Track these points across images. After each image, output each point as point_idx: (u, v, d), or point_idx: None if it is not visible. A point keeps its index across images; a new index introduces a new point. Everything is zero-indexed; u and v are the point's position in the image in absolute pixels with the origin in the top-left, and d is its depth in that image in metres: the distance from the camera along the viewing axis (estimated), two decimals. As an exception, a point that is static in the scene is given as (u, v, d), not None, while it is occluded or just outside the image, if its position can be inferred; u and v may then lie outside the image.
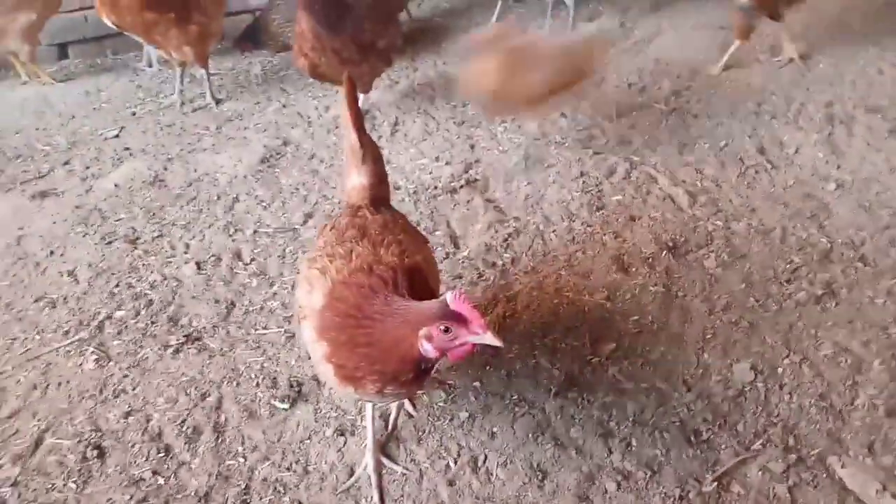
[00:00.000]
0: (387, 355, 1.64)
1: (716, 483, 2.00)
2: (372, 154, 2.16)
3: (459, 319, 1.58)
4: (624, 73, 4.61)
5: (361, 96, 4.16)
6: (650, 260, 2.86)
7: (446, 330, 1.58)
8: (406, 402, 2.27)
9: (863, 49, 4.65)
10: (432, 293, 1.86)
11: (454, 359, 1.67)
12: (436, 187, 3.46)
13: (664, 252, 2.89)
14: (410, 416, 2.24)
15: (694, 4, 5.74)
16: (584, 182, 3.41)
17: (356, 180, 2.13)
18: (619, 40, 5.12)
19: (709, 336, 2.49)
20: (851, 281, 2.68)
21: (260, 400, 2.34)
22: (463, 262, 2.94)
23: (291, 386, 2.38)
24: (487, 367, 2.41)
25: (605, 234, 3.04)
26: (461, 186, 3.46)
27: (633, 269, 2.82)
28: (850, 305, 2.57)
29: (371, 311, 1.67)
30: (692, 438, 2.13)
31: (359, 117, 2.15)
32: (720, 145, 3.66)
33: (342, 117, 2.17)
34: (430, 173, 3.60)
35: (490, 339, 1.60)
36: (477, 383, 2.35)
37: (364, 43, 3.85)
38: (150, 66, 5.19)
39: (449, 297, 1.60)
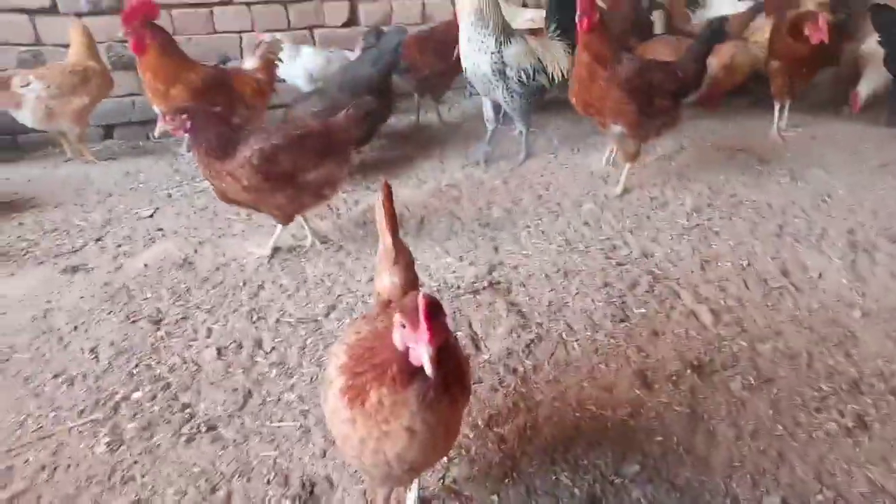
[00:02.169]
0: (385, 347, 1.55)
1: None
2: (404, 257, 2.21)
3: (412, 319, 1.39)
4: (647, 186, 4.75)
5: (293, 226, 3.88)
6: (674, 378, 2.82)
7: (403, 325, 1.45)
8: (422, 513, 2.19)
9: (880, 178, 4.78)
10: (463, 374, 1.78)
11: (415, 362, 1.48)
12: (459, 287, 3.49)
13: (689, 370, 2.85)
14: (425, 528, 2.15)
15: (713, 124, 6.00)
16: (607, 292, 3.43)
17: (388, 280, 2.17)
18: (643, 156, 5.29)
19: (736, 463, 2.41)
20: (883, 415, 2.61)
21: (270, 499, 2.25)
22: (483, 365, 2.91)
23: (303, 486, 2.30)
24: (506, 481, 2.33)
25: (628, 348, 3.02)
26: (484, 288, 3.49)
27: (657, 387, 2.78)
28: (884, 441, 2.49)
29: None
30: (722, 576, 2.01)
31: (393, 221, 2.21)
32: (742, 264, 3.70)
33: (377, 220, 2.22)
34: (454, 272, 3.64)
35: (427, 360, 1.39)
36: (495, 497, 2.26)
37: (276, 173, 3.48)
38: (189, 150, 5.42)
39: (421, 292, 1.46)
